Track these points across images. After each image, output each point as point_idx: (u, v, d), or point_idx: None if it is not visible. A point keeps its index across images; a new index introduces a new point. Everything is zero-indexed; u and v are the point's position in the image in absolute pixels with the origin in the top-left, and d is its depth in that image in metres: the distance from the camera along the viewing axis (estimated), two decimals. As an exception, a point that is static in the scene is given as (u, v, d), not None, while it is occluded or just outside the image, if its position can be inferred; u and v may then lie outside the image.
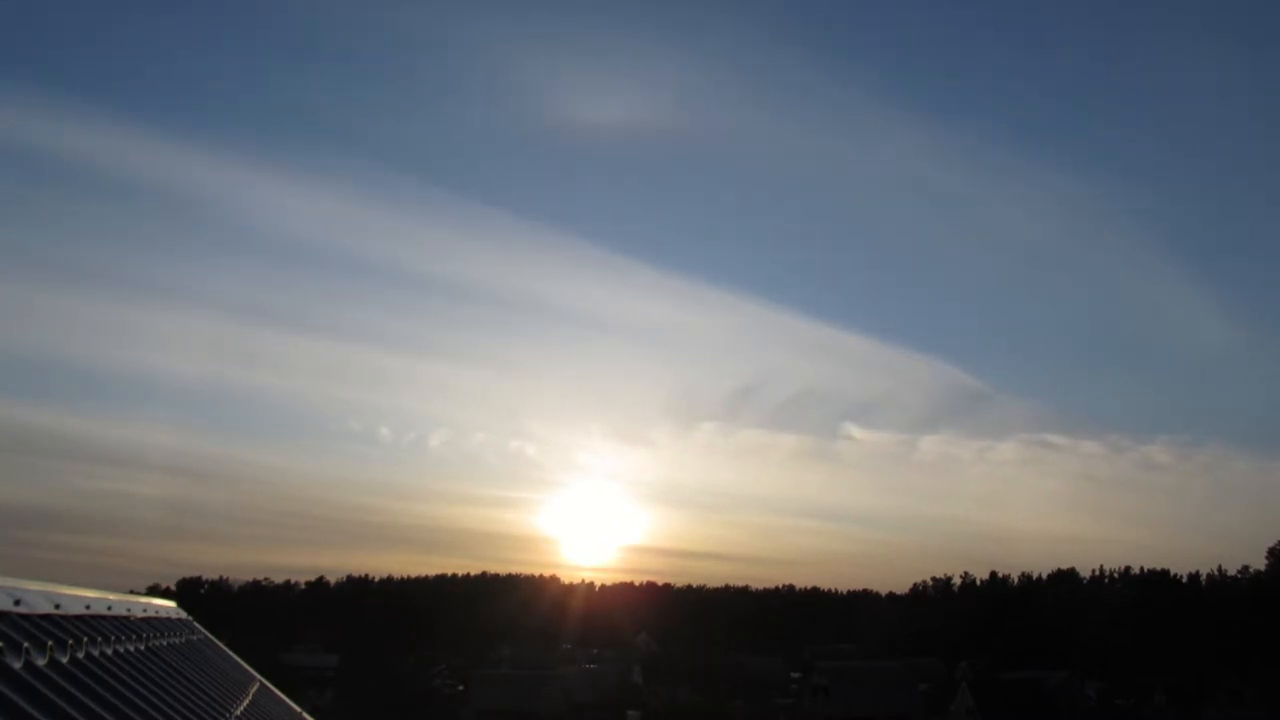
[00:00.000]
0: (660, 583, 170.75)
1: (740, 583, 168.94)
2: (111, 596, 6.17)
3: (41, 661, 3.79)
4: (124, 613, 6.01)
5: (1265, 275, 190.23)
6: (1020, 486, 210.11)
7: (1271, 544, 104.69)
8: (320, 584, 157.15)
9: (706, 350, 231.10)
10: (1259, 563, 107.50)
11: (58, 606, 4.54)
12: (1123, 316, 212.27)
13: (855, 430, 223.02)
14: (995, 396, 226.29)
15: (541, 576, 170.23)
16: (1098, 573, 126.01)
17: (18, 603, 4.03)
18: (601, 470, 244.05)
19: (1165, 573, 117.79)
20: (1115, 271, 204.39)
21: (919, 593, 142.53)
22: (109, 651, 4.94)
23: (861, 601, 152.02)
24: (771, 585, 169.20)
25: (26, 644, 3.69)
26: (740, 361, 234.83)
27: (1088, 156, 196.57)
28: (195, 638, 8.22)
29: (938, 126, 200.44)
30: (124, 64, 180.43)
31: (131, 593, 7.96)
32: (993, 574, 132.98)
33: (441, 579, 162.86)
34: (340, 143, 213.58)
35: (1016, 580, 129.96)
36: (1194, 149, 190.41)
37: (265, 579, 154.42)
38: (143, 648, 5.75)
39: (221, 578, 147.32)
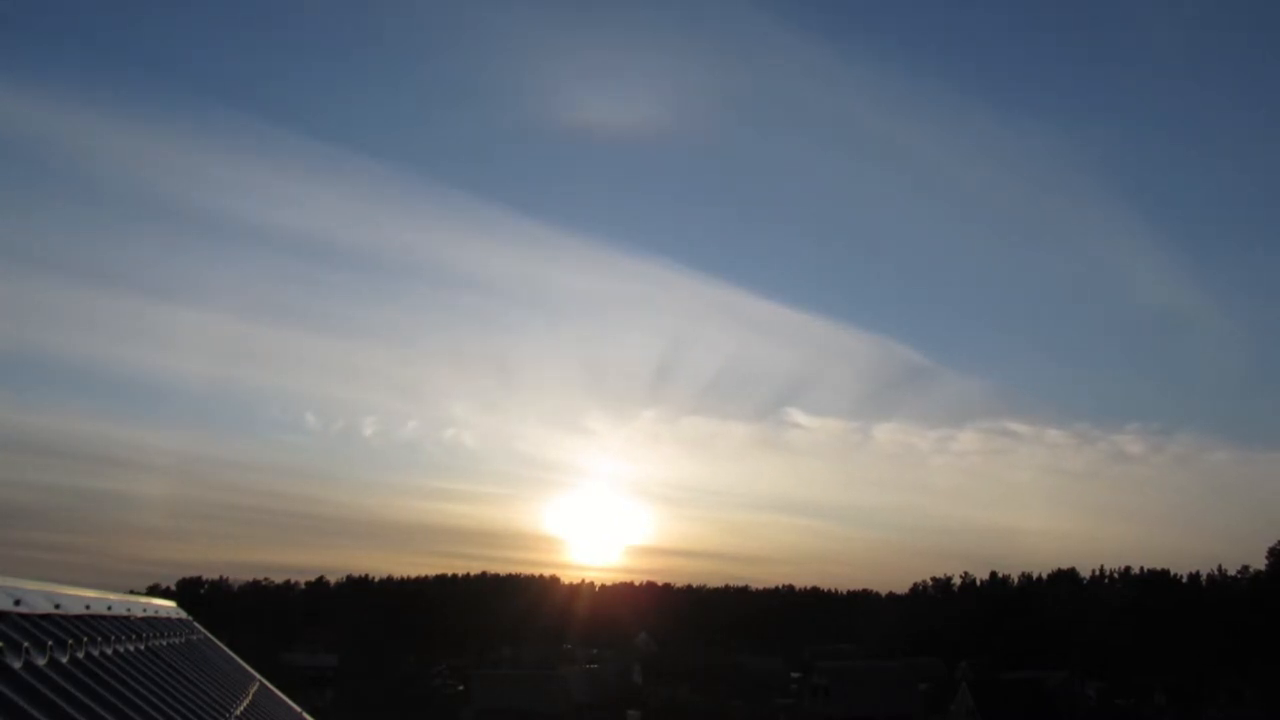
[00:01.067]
0: (660, 583, 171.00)
1: (740, 583, 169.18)
2: (111, 596, 6.17)
3: (41, 661, 3.79)
4: (124, 613, 6.01)
5: (1239, 249, 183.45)
6: (989, 480, 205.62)
7: (1271, 544, 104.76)
8: (320, 584, 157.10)
9: (635, 326, 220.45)
10: (1259, 563, 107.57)
11: (58, 606, 4.54)
12: (1085, 294, 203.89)
13: (800, 416, 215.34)
14: (943, 376, 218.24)
15: (542, 576, 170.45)
16: (1098, 573, 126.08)
17: (18, 603, 4.03)
18: (541, 461, 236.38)
19: (1165, 573, 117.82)
20: (1077, 243, 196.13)
21: (919, 593, 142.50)
22: (109, 651, 4.94)
23: (861, 601, 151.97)
24: (771, 585, 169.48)
25: (26, 644, 3.69)
26: (671, 339, 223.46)
27: (1053, 114, 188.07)
28: (195, 638, 8.22)
29: (886, 80, 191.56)
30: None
31: (131, 593, 7.97)
32: (993, 574, 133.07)
33: (441, 579, 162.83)
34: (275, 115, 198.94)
35: (1016, 580, 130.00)
36: (1169, 117, 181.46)
37: (265, 579, 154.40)
38: (143, 648, 5.75)
39: (221, 578, 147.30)
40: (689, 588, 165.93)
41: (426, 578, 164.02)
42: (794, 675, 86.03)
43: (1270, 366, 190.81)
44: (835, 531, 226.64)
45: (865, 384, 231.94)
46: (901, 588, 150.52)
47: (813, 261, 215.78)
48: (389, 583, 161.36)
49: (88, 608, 5.13)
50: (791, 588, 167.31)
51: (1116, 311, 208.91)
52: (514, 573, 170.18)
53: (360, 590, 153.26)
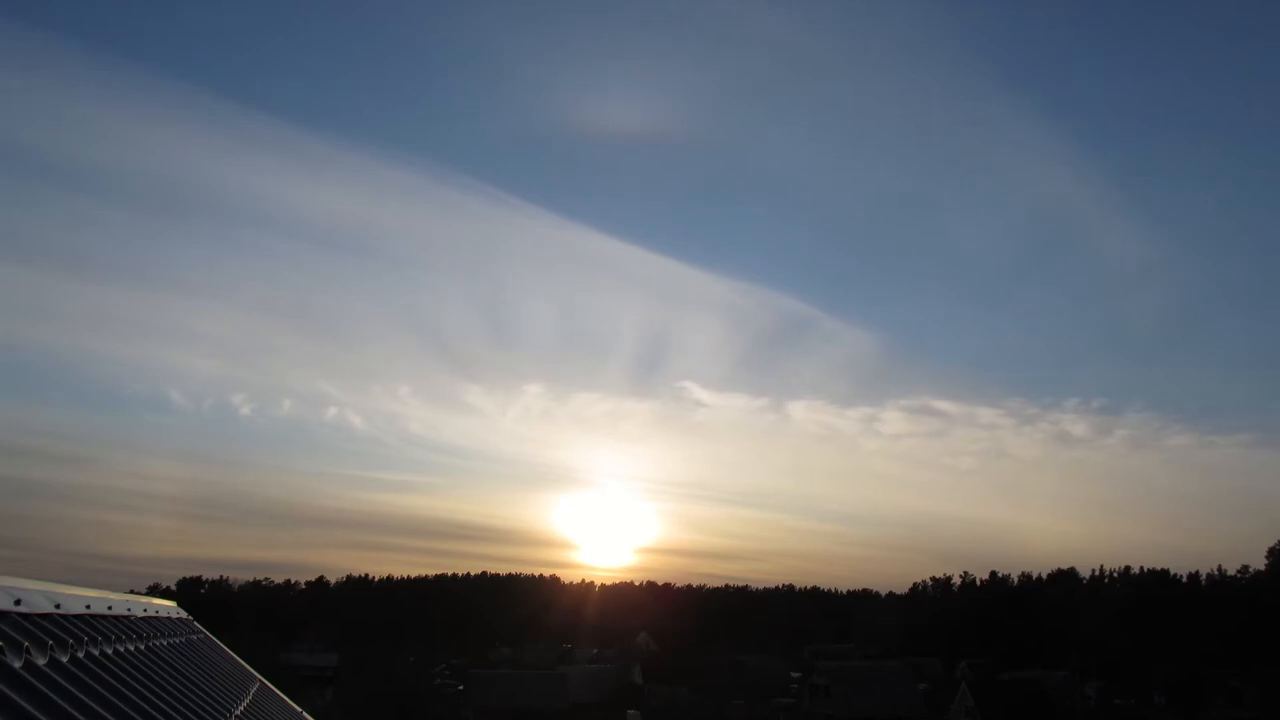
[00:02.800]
0: (660, 582, 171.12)
1: (740, 583, 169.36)
2: (111, 596, 6.18)
3: (42, 661, 3.80)
4: (124, 612, 6.02)
5: (1187, 199, 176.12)
6: (933, 469, 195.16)
7: (1271, 544, 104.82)
8: (320, 584, 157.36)
9: (499, 279, 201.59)
10: (1259, 563, 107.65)
11: (58, 606, 4.55)
12: (1007, 248, 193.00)
13: (699, 391, 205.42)
14: (846, 344, 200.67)
15: (542, 576, 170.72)
16: (1098, 573, 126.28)
17: (18, 602, 4.04)
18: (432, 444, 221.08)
19: (1165, 573, 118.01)
20: (992, 184, 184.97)
21: (919, 593, 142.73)
22: (109, 651, 4.95)
23: (861, 601, 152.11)
24: (771, 585, 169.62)
25: (27, 643, 3.70)
26: (544, 294, 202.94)
27: (995, 77, 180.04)
28: (195, 637, 8.23)
29: (793, 24, 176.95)
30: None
31: (131, 593, 7.97)
32: (993, 574, 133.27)
33: (441, 579, 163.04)
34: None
35: (1016, 580, 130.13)
36: (1113, 60, 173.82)
37: (265, 579, 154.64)
38: (143, 647, 5.76)
39: (221, 578, 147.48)
40: (689, 588, 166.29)
41: (426, 578, 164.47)
42: (794, 675, 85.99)
43: (1221, 337, 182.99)
44: (775, 523, 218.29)
45: (759, 353, 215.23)
46: (901, 588, 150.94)
47: (711, 218, 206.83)
48: (389, 583, 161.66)
49: (88, 607, 5.13)
50: (791, 587, 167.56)
51: (1040, 272, 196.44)
52: (514, 573, 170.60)
53: (360, 590, 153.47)
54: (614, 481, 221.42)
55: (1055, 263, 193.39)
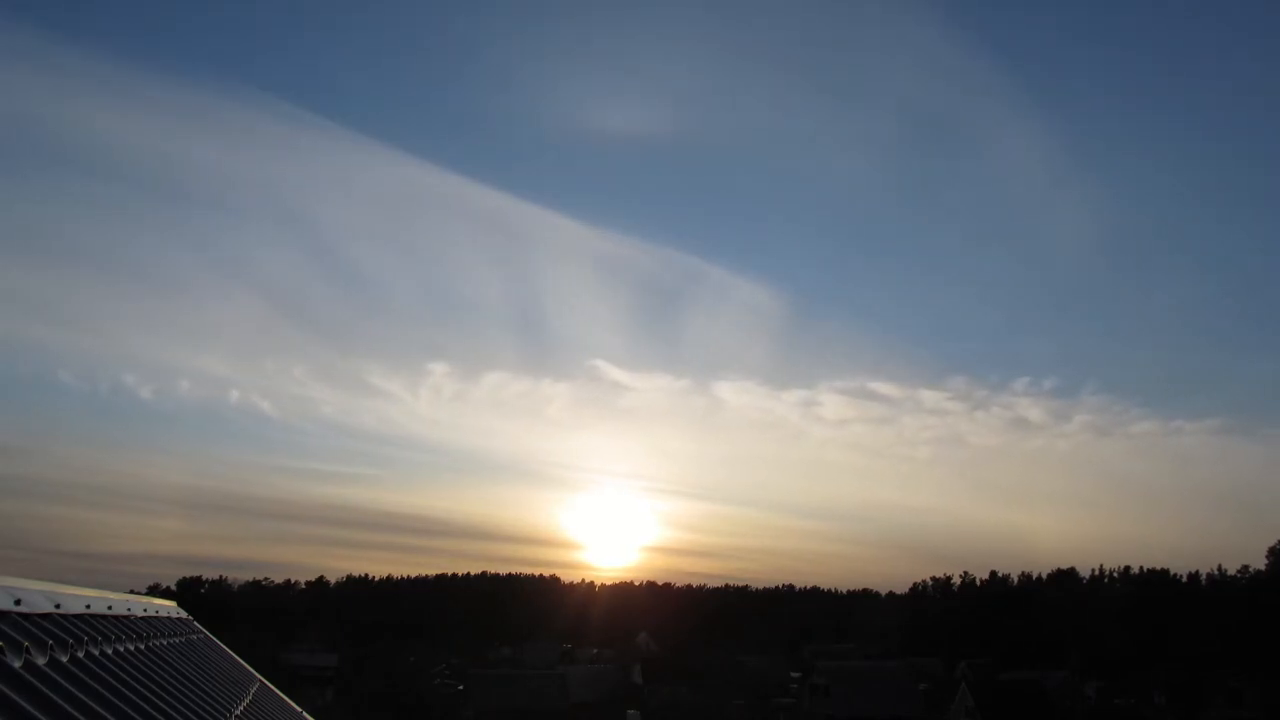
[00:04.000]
0: (660, 582, 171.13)
1: (740, 583, 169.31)
2: (111, 596, 6.18)
3: (42, 661, 3.80)
4: (124, 612, 6.01)
5: (1141, 166, 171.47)
6: (886, 458, 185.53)
7: (1271, 544, 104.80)
8: (320, 584, 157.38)
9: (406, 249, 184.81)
10: (1259, 563, 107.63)
11: (58, 606, 4.55)
12: (937, 211, 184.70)
13: (616, 372, 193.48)
14: (764, 311, 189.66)
15: (541, 576, 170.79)
16: (1098, 572, 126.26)
17: (18, 602, 4.03)
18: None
19: (1165, 573, 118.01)
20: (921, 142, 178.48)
21: (919, 593, 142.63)
22: (109, 651, 4.94)
23: (861, 601, 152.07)
24: (771, 585, 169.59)
25: (27, 643, 3.70)
26: (452, 269, 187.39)
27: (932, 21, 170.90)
28: (195, 637, 8.23)
29: None
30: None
31: (132, 593, 7.97)
32: (993, 574, 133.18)
33: (441, 579, 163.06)
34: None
35: (1016, 580, 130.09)
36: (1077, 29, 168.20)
37: (265, 579, 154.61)
38: (143, 647, 5.76)
39: (221, 578, 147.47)
40: (689, 588, 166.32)
41: (426, 577, 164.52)
42: (794, 675, 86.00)
43: (1175, 314, 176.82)
44: (723, 516, 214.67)
45: (666, 326, 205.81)
46: (901, 588, 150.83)
47: (615, 178, 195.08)
48: (389, 583, 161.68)
49: (88, 607, 5.13)
50: (791, 587, 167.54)
51: (975, 240, 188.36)
52: (514, 572, 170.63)
53: (360, 590, 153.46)
54: (558, 471, 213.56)
55: (991, 229, 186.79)
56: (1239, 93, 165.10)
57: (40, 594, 4.42)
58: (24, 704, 3.23)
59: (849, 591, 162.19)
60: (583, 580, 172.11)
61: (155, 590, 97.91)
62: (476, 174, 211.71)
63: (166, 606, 8.12)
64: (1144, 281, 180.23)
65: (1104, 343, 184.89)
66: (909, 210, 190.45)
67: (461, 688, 78.64)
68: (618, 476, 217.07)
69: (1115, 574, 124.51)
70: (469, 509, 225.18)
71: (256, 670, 10.06)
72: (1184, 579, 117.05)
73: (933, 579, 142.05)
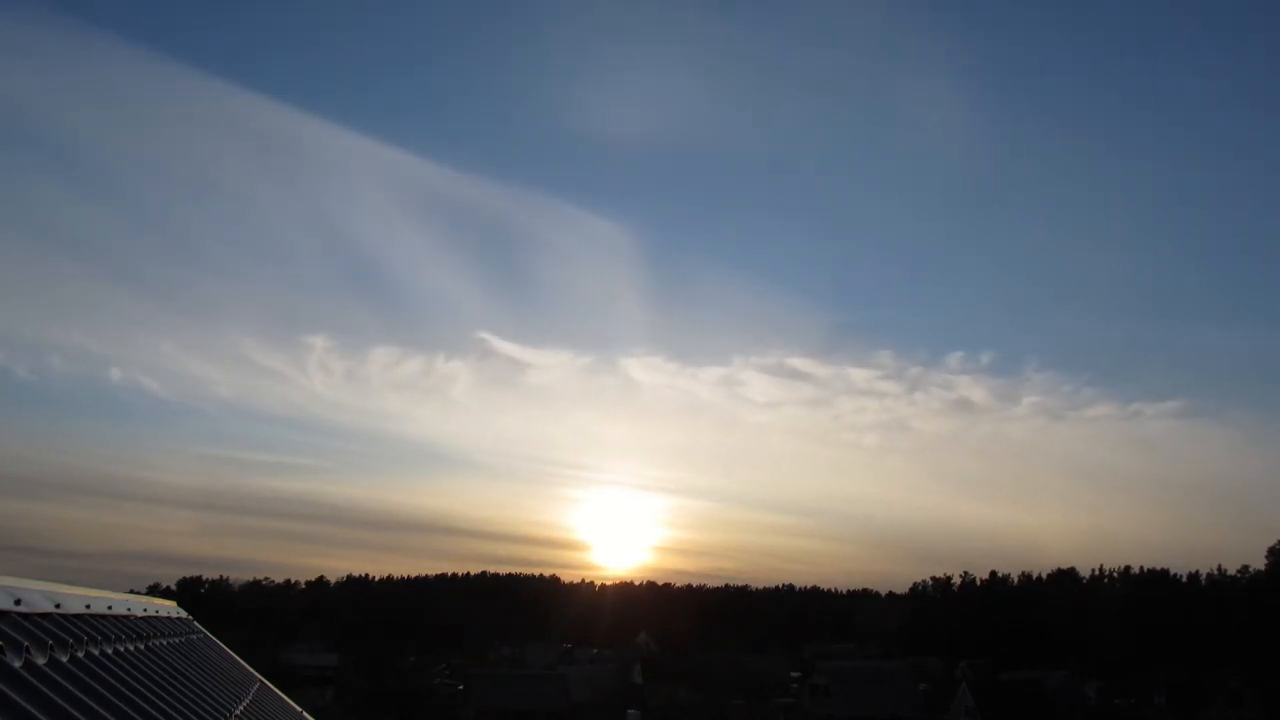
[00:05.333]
0: (660, 582, 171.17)
1: (740, 582, 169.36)
2: (112, 596, 6.18)
3: (42, 661, 3.79)
4: (124, 612, 6.01)
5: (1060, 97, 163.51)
6: (831, 445, 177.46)
7: (1271, 543, 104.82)
8: (320, 584, 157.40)
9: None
10: (1259, 563, 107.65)
11: (58, 606, 4.54)
12: (841, 158, 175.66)
13: (509, 346, 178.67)
14: (657, 276, 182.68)
15: (541, 576, 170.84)
16: (1098, 572, 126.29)
17: (18, 602, 4.03)
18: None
19: (1165, 573, 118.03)
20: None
21: (919, 593, 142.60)
22: (109, 651, 4.94)
23: (861, 601, 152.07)
24: (771, 585, 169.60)
25: (27, 643, 3.70)
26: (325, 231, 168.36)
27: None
28: (195, 637, 8.22)
29: None
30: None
31: (132, 593, 7.97)
32: (993, 574, 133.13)
33: (441, 579, 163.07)
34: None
35: (1016, 580, 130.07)
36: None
37: (265, 579, 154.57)
38: (143, 647, 5.75)
39: (221, 577, 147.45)
40: (689, 588, 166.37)
41: (427, 577, 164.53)
42: (794, 675, 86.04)
43: (1115, 283, 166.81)
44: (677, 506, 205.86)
45: (547, 289, 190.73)
46: (901, 588, 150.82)
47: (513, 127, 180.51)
48: (389, 583, 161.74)
49: (88, 607, 5.13)
50: (791, 587, 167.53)
51: (878, 191, 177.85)
52: (514, 572, 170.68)
53: (360, 590, 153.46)
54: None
55: (903, 187, 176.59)
56: (1190, 51, 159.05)
57: (40, 594, 4.42)
58: (24, 704, 3.23)
59: (849, 591, 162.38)
60: (583, 580, 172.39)
61: (155, 590, 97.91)
62: (314, 107, 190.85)
63: (166, 606, 8.12)
64: (1085, 249, 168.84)
65: (1042, 315, 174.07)
66: (811, 162, 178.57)
67: (461, 688, 78.64)
68: (533, 462, 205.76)
69: (1115, 574, 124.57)
70: (404, 500, 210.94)
71: (256, 670, 10.06)
72: (1184, 579, 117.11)
73: (933, 579, 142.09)
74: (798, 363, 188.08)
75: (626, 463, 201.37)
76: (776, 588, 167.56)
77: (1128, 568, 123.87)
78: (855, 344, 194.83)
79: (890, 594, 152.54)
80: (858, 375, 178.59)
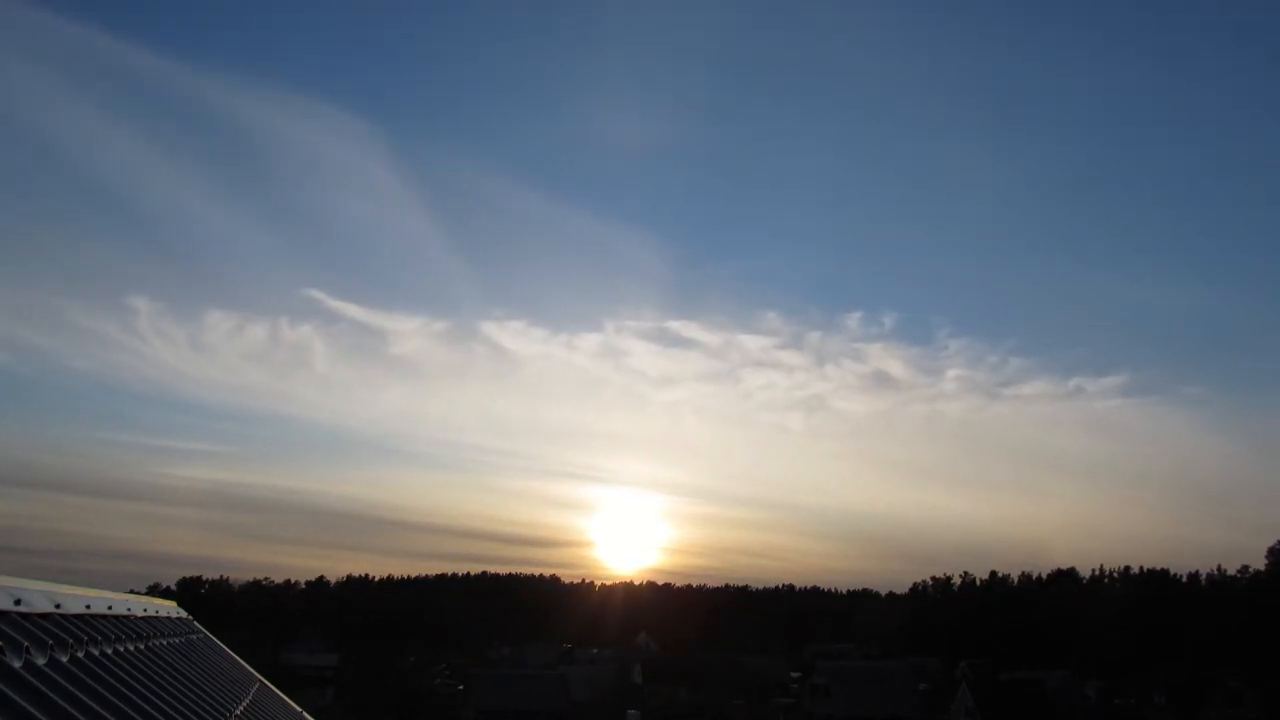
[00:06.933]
0: (660, 582, 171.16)
1: (740, 582, 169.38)
2: (112, 596, 6.17)
3: (42, 661, 3.79)
4: (124, 612, 6.01)
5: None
6: (747, 426, 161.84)
7: (1271, 543, 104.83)
8: (320, 584, 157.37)
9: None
10: (1259, 563, 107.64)
11: (58, 606, 4.54)
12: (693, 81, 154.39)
13: (355, 310, 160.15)
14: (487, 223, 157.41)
15: (541, 576, 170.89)
16: (1098, 572, 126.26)
17: (18, 602, 4.03)
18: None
19: (1165, 573, 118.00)
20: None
21: (919, 593, 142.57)
22: (109, 651, 4.94)
23: (861, 601, 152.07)
24: (771, 585, 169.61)
25: (27, 643, 3.69)
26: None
27: None
28: (195, 637, 8.22)
29: None
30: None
31: (132, 593, 7.97)
32: (993, 574, 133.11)
33: (441, 579, 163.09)
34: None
35: (1016, 580, 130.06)
36: None
37: (265, 579, 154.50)
38: (143, 647, 5.75)
39: (221, 577, 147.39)
40: (689, 587, 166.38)
41: (427, 577, 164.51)
42: (794, 675, 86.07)
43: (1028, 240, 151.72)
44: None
45: (390, 247, 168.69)
46: (901, 588, 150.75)
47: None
48: (389, 583, 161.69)
49: (88, 607, 5.13)
50: (791, 587, 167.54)
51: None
52: (514, 572, 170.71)
53: (360, 590, 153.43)
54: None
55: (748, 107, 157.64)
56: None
57: (40, 594, 4.42)
58: (24, 704, 3.23)
59: (849, 591, 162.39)
60: (583, 580, 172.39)
61: (155, 590, 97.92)
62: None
63: (166, 606, 8.12)
64: (970, 192, 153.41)
65: (944, 268, 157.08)
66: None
67: (461, 688, 78.67)
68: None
69: (1115, 574, 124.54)
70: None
71: (256, 670, 10.06)
72: (1184, 579, 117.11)
73: (933, 579, 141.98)
74: (678, 326, 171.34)
75: (531, 445, 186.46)
76: (776, 588, 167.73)
77: (1128, 568, 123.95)
78: (731, 302, 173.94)
79: (890, 594, 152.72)
80: (752, 343, 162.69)
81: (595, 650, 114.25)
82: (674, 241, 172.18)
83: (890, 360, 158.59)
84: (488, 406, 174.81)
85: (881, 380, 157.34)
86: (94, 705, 3.79)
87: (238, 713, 6.65)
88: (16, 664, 3.51)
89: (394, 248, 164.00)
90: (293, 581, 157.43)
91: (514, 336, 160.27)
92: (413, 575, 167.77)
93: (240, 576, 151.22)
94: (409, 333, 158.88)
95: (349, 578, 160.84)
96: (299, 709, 10.40)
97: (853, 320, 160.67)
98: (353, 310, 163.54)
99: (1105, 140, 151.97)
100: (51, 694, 3.49)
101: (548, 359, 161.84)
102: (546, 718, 67.85)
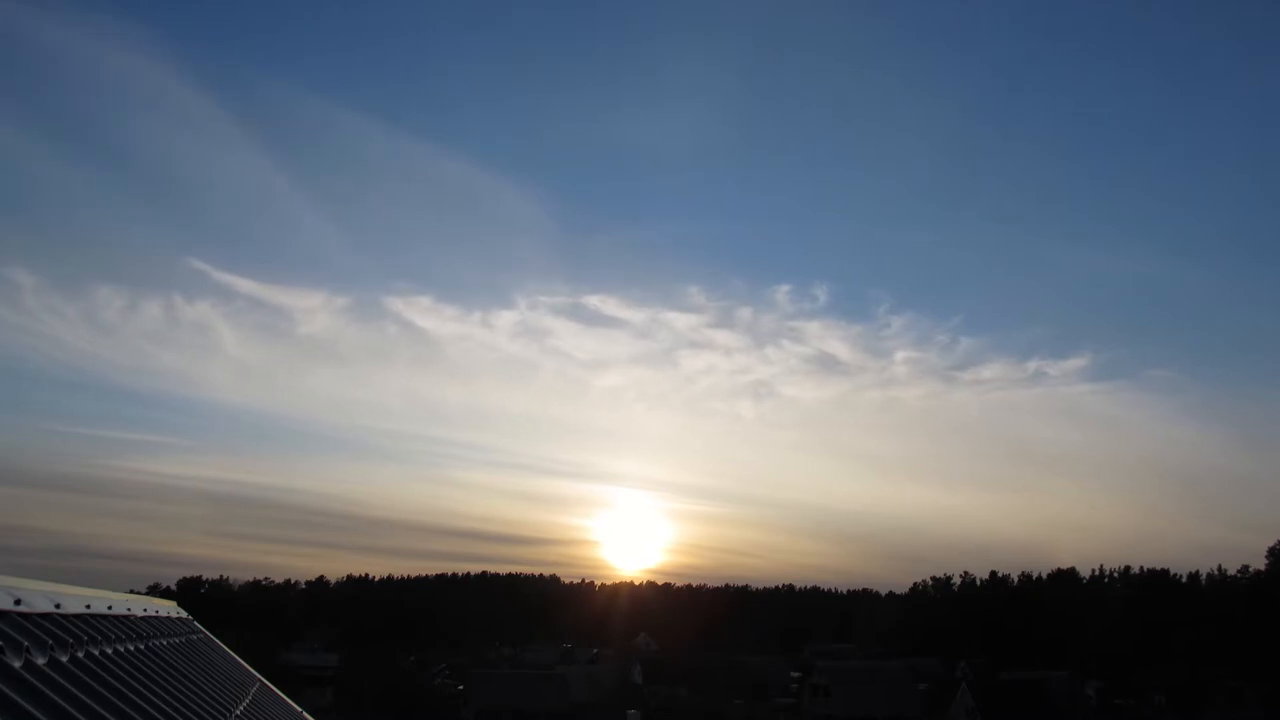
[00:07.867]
0: (660, 582, 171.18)
1: (740, 582, 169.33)
2: (112, 596, 6.17)
3: (42, 661, 3.79)
4: (124, 612, 6.01)
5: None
6: (702, 413, 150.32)
7: (1271, 543, 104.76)
8: (320, 584, 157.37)
9: None
10: (1259, 563, 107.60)
11: (58, 606, 4.54)
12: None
13: (248, 285, 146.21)
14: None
15: (541, 576, 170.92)
16: (1098, 572, 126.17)
17: (18, 602, 4.03)
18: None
19: (1165, 573, 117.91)
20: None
21: (919, 593, 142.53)
22: (109, 651, 4.94)
23: (861, 601, 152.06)
24: (771, 585, 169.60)
25: (27, 643, 3.69)
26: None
27: None
28: (195, 637, 8.22)
29: None
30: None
31: (132, 593, 7.97)
32: (993, 574, 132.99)
33: (441, 579, 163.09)
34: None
35: (1016, 580, 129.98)
36: None
37: (265, 579, 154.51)
38: (143, 647, 5.75)
39: (221, 577, 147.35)
40: (689, 587, 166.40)
41: (427, 577, 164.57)
42: (794, 675, 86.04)
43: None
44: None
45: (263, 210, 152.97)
46: (901, 587, 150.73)
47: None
48: (389, 583, 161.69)
49: (88, 607, 5.13)
50: (791, 587, 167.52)
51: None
52: (514, 572, 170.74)
53: (360, 590, 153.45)
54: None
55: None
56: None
57: (40, 594, 4.42)
58: (24, 704, 3.23)
59: (849, 591, 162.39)
60: (583, 580, 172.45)
61: (155, 590, 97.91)
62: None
63: (166, 606, 8.11)
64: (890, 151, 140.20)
65: (874, 236, 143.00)
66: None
67: (461, 688, 78.66)
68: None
69: (1115, 574, 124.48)
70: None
71: (256, 670, 10.06)
72: (1184, 579, 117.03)
73: (933, 579, 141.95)
74: (595, 301, 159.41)
75: (481, 436, 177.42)
76: (777, 588, 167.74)
77: (1128, 568, 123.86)
78: (645, 273, 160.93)
79: (890, 594, 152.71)
80: (681, 321, 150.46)
81: (595, 650, 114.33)
82: (565, 200, 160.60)
83: (831, 341, 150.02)
84: (423, 394, 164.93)
85: (827, 364, 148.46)
86: (94, 705, 3.79)
87: (238, 713, 6.65)
88: (16, 664, 3.51)
89: (262, 210, 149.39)
90: (293, 581, 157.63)
91: (424, 314, 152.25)
92: (413, 575, 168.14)
93: (240, 576, 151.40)
94: (313, 309, 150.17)
95: (349, 578, 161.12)
96: (299, 709, 10.40)
97: (781, 294, 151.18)
98: (245, 285, 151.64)
99: (1043, 95, 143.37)
100: (52, 694, 3.49)
101: (467, 339, 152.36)
102: (546, 718, 67.83)
